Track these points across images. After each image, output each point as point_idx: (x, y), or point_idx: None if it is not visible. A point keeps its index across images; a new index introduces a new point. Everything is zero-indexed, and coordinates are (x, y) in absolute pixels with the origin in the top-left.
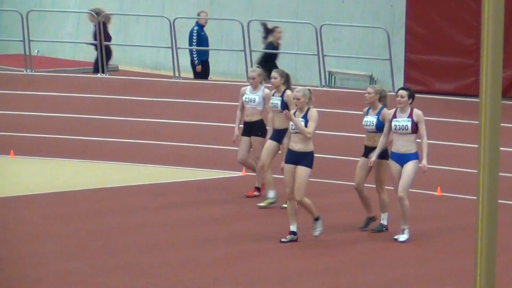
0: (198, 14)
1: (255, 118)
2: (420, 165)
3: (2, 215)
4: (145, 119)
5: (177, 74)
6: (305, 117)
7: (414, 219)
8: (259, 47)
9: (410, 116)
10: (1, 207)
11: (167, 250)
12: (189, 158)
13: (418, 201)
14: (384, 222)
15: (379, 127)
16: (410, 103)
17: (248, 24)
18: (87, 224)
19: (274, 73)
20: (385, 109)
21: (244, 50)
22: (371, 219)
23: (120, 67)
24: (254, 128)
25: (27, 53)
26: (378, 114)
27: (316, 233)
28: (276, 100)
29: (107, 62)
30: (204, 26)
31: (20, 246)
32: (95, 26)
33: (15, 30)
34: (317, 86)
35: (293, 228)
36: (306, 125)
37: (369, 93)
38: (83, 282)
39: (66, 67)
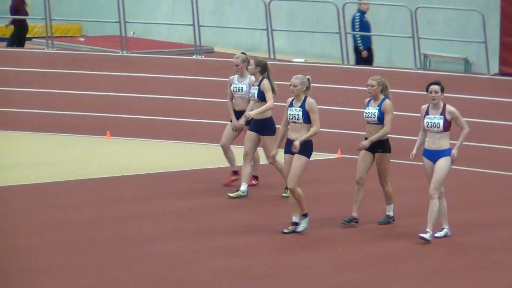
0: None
1: (245, 107)
2: (453, 152)
3: (99, 195)
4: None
5: (272, 56)
6: (302, 106)
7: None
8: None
9: (443, 113)
10: (98, 188)
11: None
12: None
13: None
14: (391, 213)
15: (381, 118)
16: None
17: (344, 6)
18: (180, 204)
19: (251, 60)
20: (387, 101)
21: (339, 33)
22: (354, 220)
23: (216, 49)
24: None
25: (123, 34)
26: (380, 105)
27: (300, 229)
28: (254, 90)
29: (23, 37)
30: (365, 12)
31: (121, 225)
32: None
33: (111, 11)
34: (412, 69)
35: (295, 219)
36: (303, 115)
37: (372, 85)
38: (183, 264)
39: (162, 49)
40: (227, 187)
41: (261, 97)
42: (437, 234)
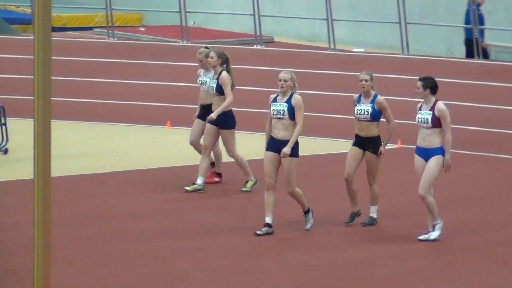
0: None
1: (209, 101)
2: (444, 162)
3: (161, 184)
4: (299, 91)
5: (332, 46)
6: (288, 102)
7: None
8: (413, 19)
9: (432, 109)
10: (158, 178)
11: None
12: (345, 129)
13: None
14: (374, 215)
15: (374, 115)
16: (433, 95)
17: None
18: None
19: (212, 53)
20: (379, 97)
21: (399, 22)
22: (357, 214)
23: (276, 39)
24: (209, 113)
25: (183, 24)
26: (373, 102)
27: (308, 226)
28: (212, 83)
29: None
30: (480, 4)
31: (183, 216)
32: None
33: (171, 1)
34: (472, 59)
35: (268, 220)
36: (289, 110)
37: (366, 80)
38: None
39: (222, 38)
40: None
41: (220, 91)
42: (421, 237)
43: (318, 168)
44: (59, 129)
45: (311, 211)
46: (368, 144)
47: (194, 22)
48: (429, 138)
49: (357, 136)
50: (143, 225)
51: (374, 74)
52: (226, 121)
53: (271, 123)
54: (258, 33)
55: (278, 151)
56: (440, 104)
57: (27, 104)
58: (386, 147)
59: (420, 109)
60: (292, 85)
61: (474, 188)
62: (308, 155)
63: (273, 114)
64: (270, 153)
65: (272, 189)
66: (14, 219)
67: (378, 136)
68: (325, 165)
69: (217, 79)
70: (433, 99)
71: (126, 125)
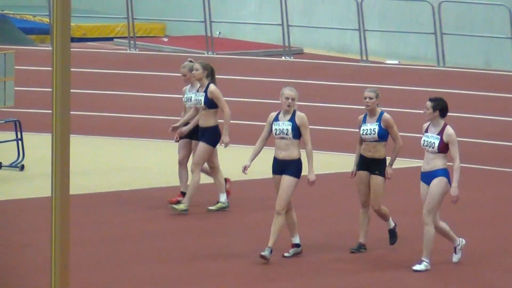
0: None
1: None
2: (451, 192)
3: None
4: (329, 104)
5: (364, 58)
6: (292, 120)
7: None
8: (449, 29)
9: (441, 133)
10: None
11: None
12: None
13: None
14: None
15: (382, 135)
16: (442, 117)
17: (440, 5)
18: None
19: (196, 65)
20: (386, 114)
21: (435, 33)
22: (363, 247)
23: (305, 50)
24: (196, 132)
25: (209, 34)
26: (379, 120)
27: (286, 254)
28: (200, 96)
29: None
30: None
31: (202, 238)
32: None
33: (196, 10)
34: (510, 71)
35: (295, 240)
36: (293, 129)
37: (370, 98)
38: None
39: (249, 49)
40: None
41: (210, 104)
42: (416, 267)
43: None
44: (78, 144)
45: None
46: (374, 165)
47: (219, 33)
48: (432, 162)
49: (362, 158)
50: (162, 245)
51: (408, 88)
52: (209, 135)
53: (263, 142)
54: (286, 44)
55: (281, 172)
56: (450, 129)
57: (45, 118)
58: (393, 167)
59: (426, 131)
60: (296, 102)
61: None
62: (338, 172)
63: (276, 134)
64: (276, 176)
65: (290, 210)
66: (30, 239)
67: (385, 159)
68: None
69: (205, 91)
70: (442, 122)
71: (147, 140)
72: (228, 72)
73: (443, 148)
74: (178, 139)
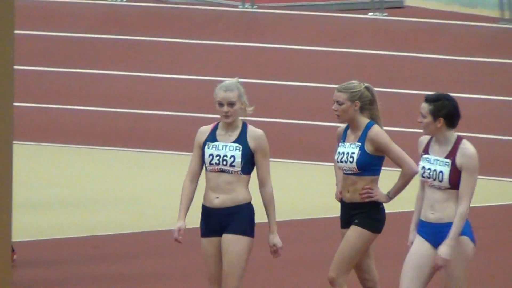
0: None
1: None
2: (438, 253)
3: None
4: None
5: (507, 15)
6: (362, 139)
7: None
8: None
9: (452, 156)
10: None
11: None
12: None
13: None
14: None
15: (365, 164)
16: (450, 127)
17: None
18: None
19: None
20: (374, 127)
21: None
22: None
23: (407, 2)
24: None
25: None
26: (362, 138)
27: None
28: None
29: None
30: None
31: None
32: None
33: None
34: None
35: None
36: (244, 155)
37: (339, 102)
38: None
39: (309, 1)
40: None
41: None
42: None
43: None
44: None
45: None
46: (354, 216)
47: None
48: (441, 207)
49: (341, 203)
50: None
51: None
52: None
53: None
54: None
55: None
56: (468, 147)
57: None
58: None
59: (426, 152)
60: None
61: None
62: None
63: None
64: (213, 240)
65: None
66: None
67: (375, 204)
68: None
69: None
70: (451, 136)
71: (145, 152)
72: (276, 37)
73: (456, 178)
74: None
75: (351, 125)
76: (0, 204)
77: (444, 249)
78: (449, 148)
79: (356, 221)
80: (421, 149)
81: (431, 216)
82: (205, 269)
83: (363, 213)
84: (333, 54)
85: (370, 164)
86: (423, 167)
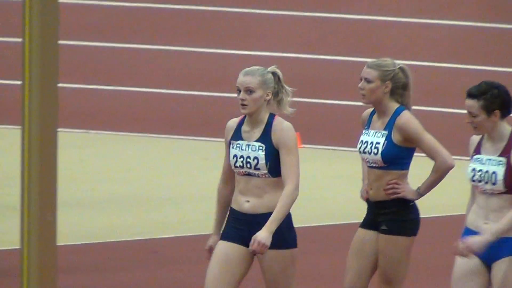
0: None
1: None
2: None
3: None
4: None
5: None
6: (390, 126)
7: None
8: None
9: (507, 152)
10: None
11: None
12: None
13: None
14: None
15: (392, 156)
16: (504, 117)
17: None
18: None
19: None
20: (404, 113)
21: None
22: None
23: None
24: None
25: None
26: (389, 125)
27: None
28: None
29: None
30: None
31: None
32: None
33: None
34: None
35: None
36: (267, 154)
37: (368, 79)
38: None
39: None
40: None
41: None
42: None
43: None
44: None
45: None
46: (381, 216)
47: None
48: (497, 216)
49: (367, 203)
50: None
51: None
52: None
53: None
54: None
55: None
56: None
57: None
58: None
59: (477, 152)
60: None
61: None
62: None
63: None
64: (238, 248)
65: None
66: None
67: (404, 202)
68: None
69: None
70: (504, 129)
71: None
72: (306, 4)
73: None
74: None
75: (377, 109)
76: (43, 202)
77: (485, 241)
78: (504, 144)
79: (384, 227)
80: (472, 149)
81: (482, 225)
82: (206, 276)
83: (390, 213)
84: (428, 27)
85: (397, 156)
86: (473, 169)
